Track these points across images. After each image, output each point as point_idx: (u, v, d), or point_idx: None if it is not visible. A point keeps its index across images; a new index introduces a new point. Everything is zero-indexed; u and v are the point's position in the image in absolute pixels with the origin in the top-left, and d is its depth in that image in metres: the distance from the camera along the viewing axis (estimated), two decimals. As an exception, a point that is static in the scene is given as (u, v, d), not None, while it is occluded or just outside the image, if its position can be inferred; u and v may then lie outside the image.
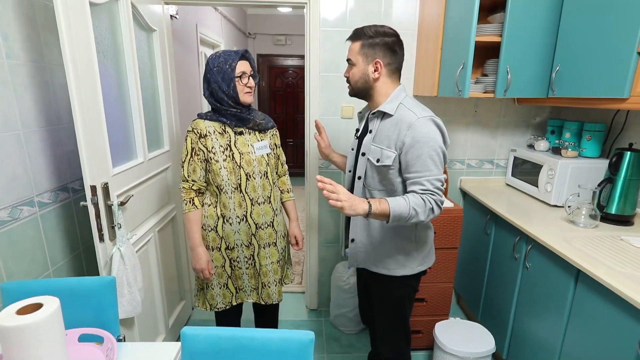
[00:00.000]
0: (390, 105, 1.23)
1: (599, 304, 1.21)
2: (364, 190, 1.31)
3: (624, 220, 1.61)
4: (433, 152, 1.14)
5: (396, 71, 1.26)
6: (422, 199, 1.11)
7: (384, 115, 1.25)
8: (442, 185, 1.16)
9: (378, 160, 1.23)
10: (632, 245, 1.40)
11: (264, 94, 5.67)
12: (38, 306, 0.82)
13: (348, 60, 1.28)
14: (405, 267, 1.31)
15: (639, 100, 1.30)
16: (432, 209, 1.12)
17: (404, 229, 1.29)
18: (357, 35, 1.24)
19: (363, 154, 1.30)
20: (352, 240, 1.37)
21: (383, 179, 1.26)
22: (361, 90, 1.29)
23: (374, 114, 1.28)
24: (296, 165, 5.35)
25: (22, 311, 0.80)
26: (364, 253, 1.35)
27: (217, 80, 1.39)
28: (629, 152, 1.58)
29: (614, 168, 1.62)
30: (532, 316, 1.58)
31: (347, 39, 1.29)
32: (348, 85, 1.32)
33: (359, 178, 1.31)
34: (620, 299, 1.10)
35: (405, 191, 1.21)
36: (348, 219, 1.41)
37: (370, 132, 1.29)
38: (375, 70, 1.23)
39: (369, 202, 1.08)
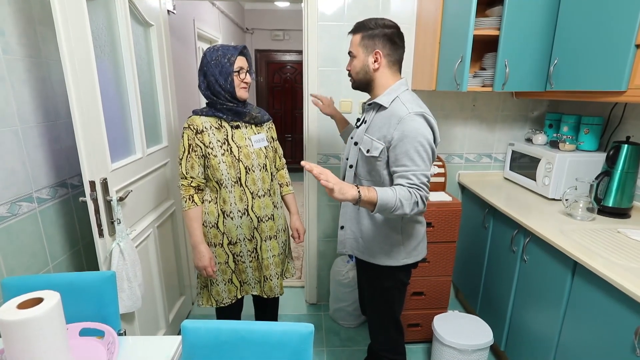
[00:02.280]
0: (386, 98, 1.24)
1: (596, 296, 1.22)
2: (355, 179, 1.34)
3: (621, 212, 1.62)
4: (420, 147, 1.14)
5: (396, 63, 1.27)
6: (409, 191, 1.11)
7: (379, 107, 1.26)
8: (428, 181, 1.16)
9: (368, 151, 1.25)
10: (629, 237, 1.41)
11: (262, 89, 5.64)
12: (39, 300, 0.82)
13: (349, 52, 1.30)
14: (391, 257, 1.33)
15: (637, 93, 1.30)
16: (417, 203, 1.12)
17: (392, 221, 1.30)
18: (358, 27, 1.26)
19: (356, 143, 1.32)
20: (342, 227, 1.40)
21: (372, 170, 1.28)
22: (362, 82, 1.30)
23: (369, 105, 1.30)
24: (295, 160, 5.33)
25: (22, 305, 0.81)
26: (353, 240, 1.38)
27: (214, 74, 1.39)
28: (626, 145, 1.58)
29: (611, 161, 1.63)
30: (530, 308, 1.59)
31: (349, 33, 1.30)
32: (350, 78, 1.33)
33: (351, 167, 1.34)
34: (616, 290, 1.11)
35: (392, 184, 1.22)
36: None
37: (365, 122, 1.31)
38: (375, 61, 1.24)
39: (358, 189, 1.07)
